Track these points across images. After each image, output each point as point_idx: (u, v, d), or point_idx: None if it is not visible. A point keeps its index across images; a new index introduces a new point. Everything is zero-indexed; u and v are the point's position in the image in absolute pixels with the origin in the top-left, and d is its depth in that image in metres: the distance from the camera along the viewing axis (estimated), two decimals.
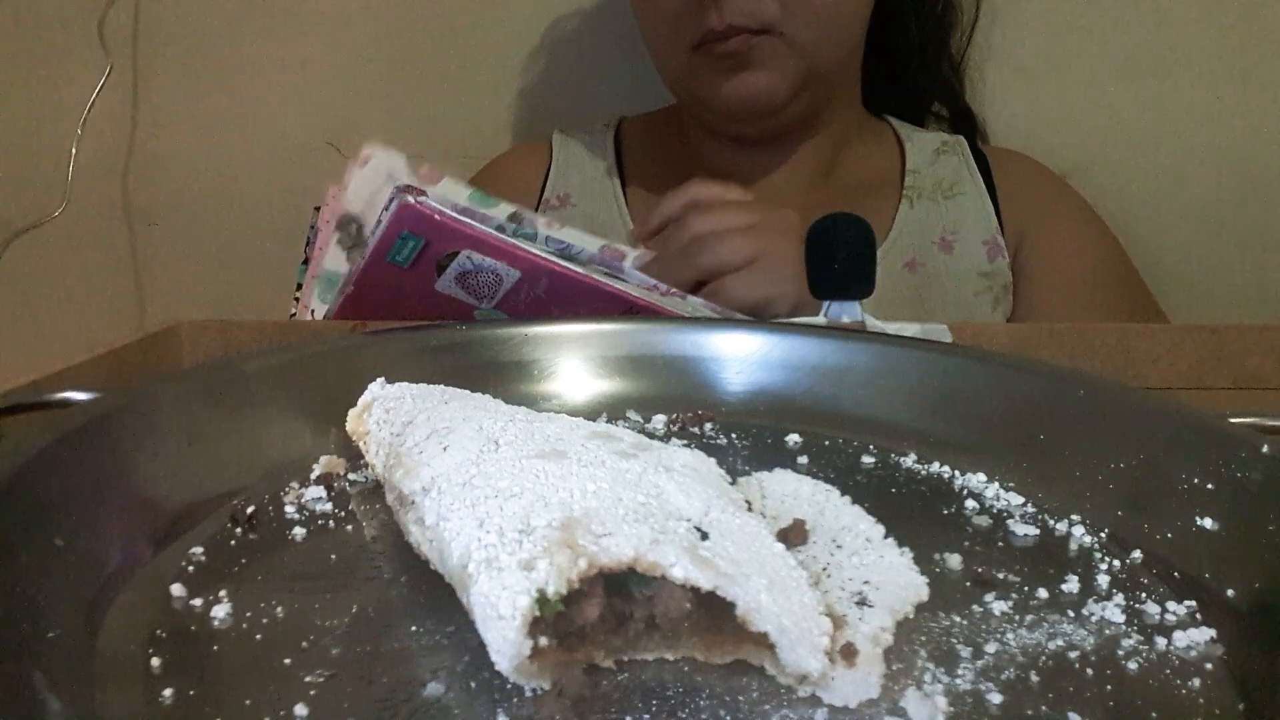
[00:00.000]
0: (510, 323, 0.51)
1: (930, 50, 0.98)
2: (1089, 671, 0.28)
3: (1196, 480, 0.36)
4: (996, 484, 0.40)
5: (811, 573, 0.30)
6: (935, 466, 0.42)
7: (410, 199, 0.56)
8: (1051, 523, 0.38)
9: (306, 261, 0.73)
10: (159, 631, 0.29)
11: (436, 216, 0.56)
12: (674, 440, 0.45)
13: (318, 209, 0.73)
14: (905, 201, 0.91)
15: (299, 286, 0.72)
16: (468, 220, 0.57)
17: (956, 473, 0.42)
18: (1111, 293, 0.87)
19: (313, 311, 0.66)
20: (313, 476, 0.39)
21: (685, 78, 0.86)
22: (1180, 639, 0.30)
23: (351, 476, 0.40)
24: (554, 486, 0.30)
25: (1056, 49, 1.01)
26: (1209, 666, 0.29)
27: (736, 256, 0.68)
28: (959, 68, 1.00)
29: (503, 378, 0.48)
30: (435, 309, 0.59)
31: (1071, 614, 0.31)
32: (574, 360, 0.49)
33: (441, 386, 0.42)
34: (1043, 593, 0.32)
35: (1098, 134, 1.02)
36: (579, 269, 0.58)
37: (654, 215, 0.73)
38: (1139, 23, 1.00)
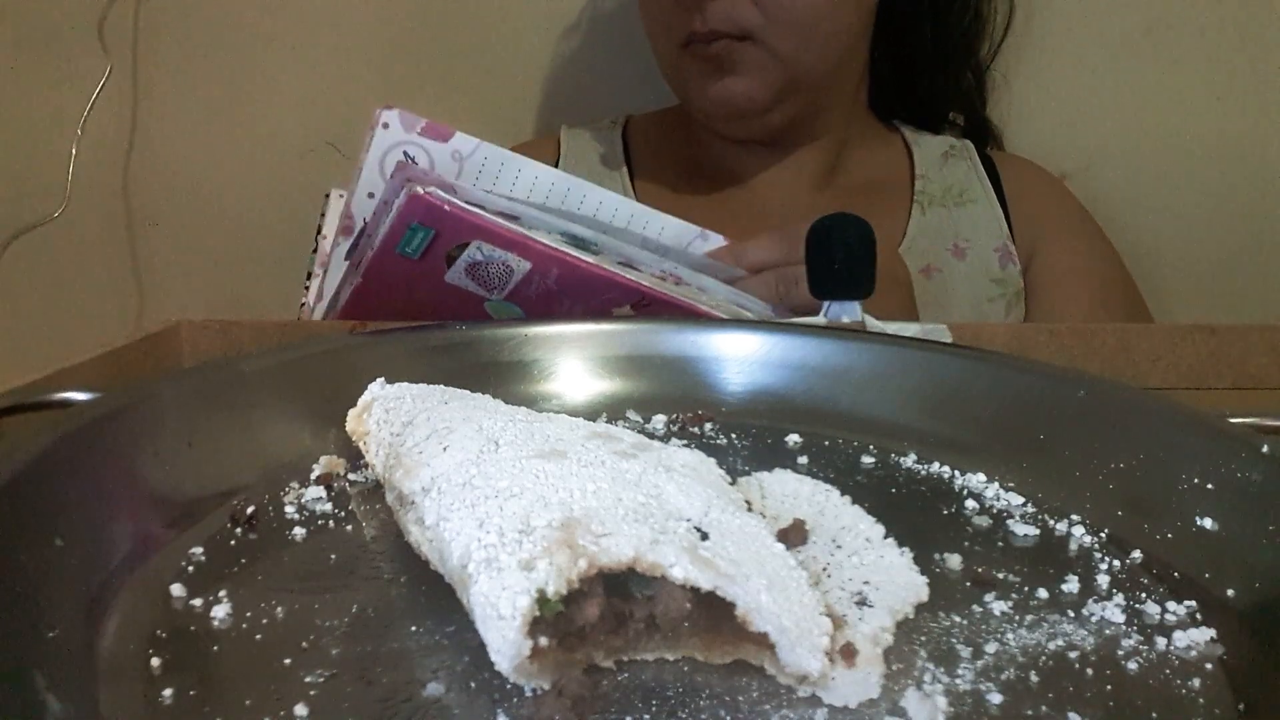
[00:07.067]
0: (510, 323, 0.51)
1: (954, 61, 0.98)
2: (1089, 671, 0.28)
3: (1196, 480, 0.36)
4: (996, 484, 0.40)
5: (811, 573, 0.30)
6: (935, 466, 0.42)
7: (420, 190, 0.55)
8: (1051, 523, 0.37)
9: (317, 249, 0.72)
10: (159, 631, 0.29)
11: (446, 207, 0.55)
12: (674, 440, 0.45)
13: (327, 196, 0.72)
14: (917, 207, 0.92)
15: (309, 275, 0.72)
16: (478, 210, 0.56)
17: (956, 473, 0.42)
18: (1117, 307, 0.89)
19: (334, 296, 0.65)
20: (313, 476, 0.39)
21: (674, 75, 0.87)
22: (1180, 639, 0.30)
23: (351, 476, 0.40)
24: (554, 486, 0.30)
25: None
26: (1209, 666, 0.29)
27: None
28: (983, 78, 1.00)
29: (503, 378, 0.48)
30: (445, 301, 0.58)
31: (1071, 614, 0.31)
32: (574, 360, 0.49)
33: (441, 387, 0.42)
34: (1043, 593, 0.32)
35: (1099, 134, 1.02)
36: (590, 259, 0.57)
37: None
38: (1141, 24, 1.00)
